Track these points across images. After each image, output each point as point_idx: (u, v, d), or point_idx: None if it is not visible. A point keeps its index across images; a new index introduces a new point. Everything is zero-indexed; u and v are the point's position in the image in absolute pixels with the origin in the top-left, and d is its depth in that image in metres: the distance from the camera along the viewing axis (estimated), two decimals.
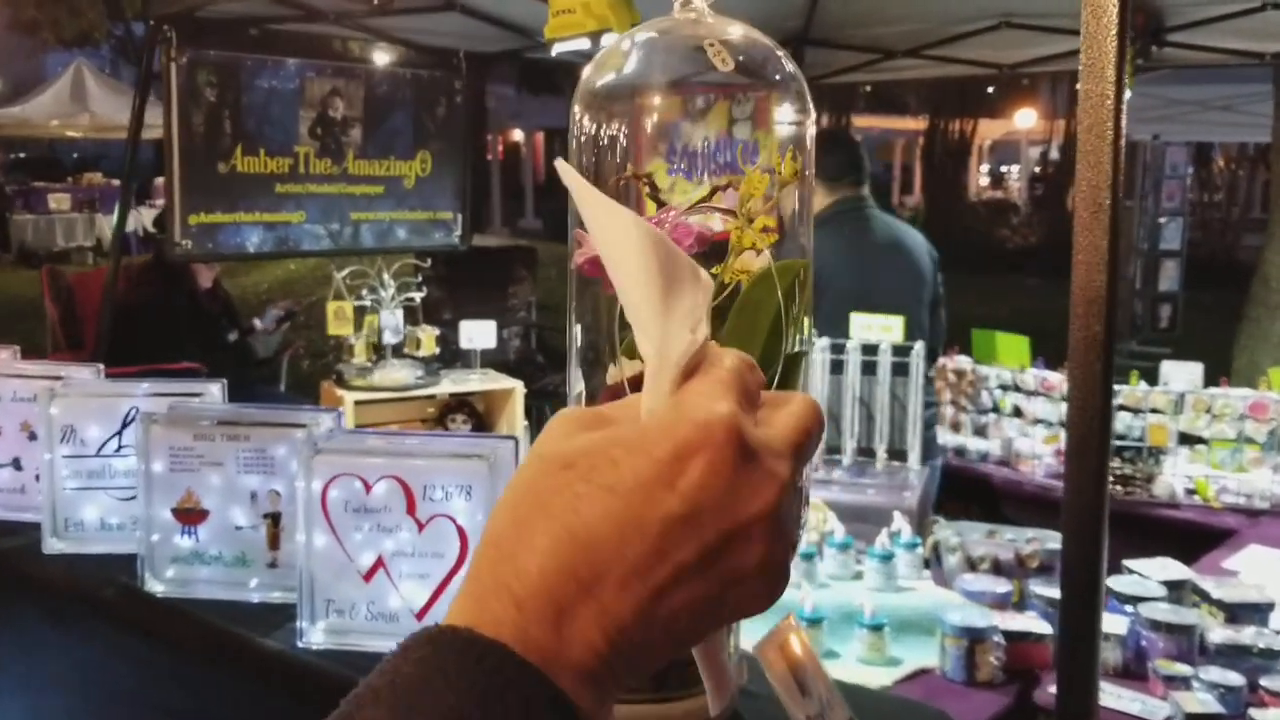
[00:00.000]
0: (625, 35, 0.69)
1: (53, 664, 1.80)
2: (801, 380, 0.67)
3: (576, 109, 0.69)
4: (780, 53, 0.68)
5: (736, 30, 0.68)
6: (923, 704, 2.03)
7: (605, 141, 0.68)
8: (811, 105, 0.68)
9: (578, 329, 0.71)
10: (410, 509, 1.45)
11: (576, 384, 0.70)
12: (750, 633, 1.30)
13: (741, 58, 0.67)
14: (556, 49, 3.23)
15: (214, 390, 1.88)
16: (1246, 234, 18.46)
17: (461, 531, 1.44)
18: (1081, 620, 1.38)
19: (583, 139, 0.70)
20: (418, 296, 4.62)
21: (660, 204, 0.67)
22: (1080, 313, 1.35)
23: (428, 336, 4.65)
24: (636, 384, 0.64)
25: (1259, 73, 6.72)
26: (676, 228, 0.64)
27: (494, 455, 1.44)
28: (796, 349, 0.66)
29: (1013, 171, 28.70)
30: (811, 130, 0.68)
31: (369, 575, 1.47)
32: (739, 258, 0.66)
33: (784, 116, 0.68)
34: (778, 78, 0.68)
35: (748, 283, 0.66)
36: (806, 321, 0.68)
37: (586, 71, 0.69)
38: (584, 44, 3.04)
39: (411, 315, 4.66)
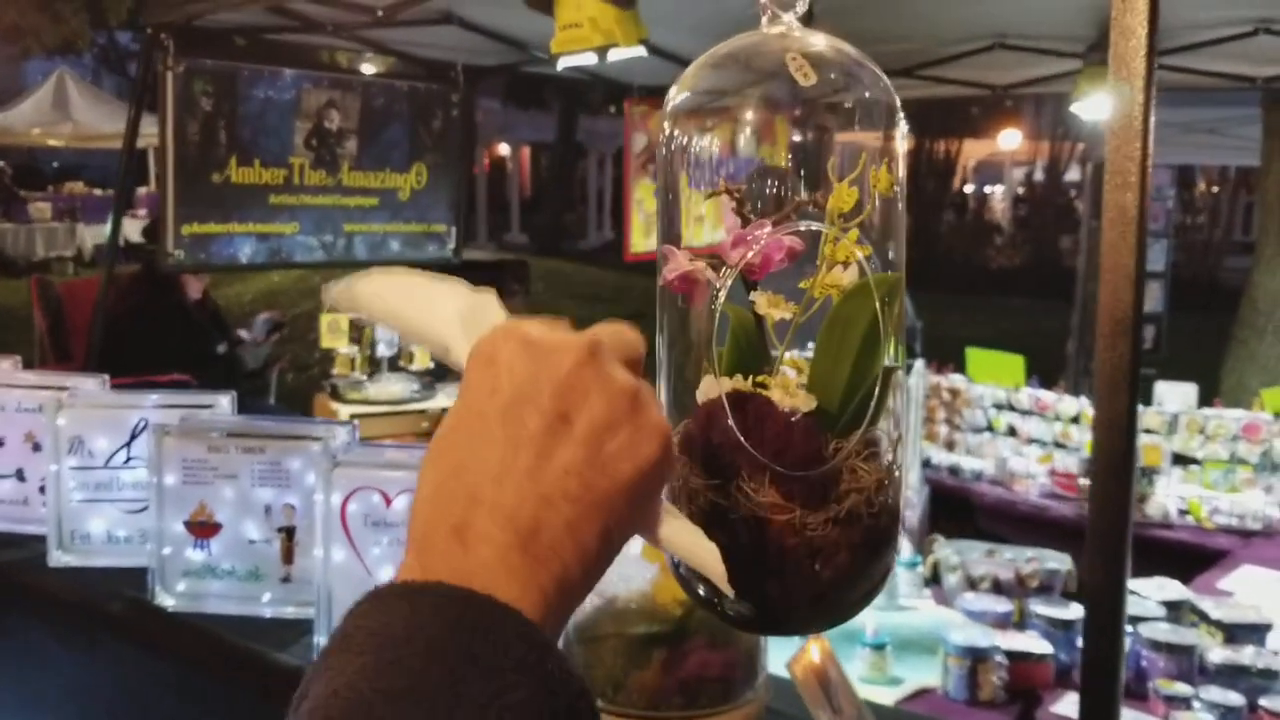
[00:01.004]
0: (710, 51, 0.69)
1: (58, 679, 1.77)
2: (894, 398, 0.67)
3: (666, 124, 0.69)
4: (869, 64, 0.68)
5: (821, 42, 0.68)
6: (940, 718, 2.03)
7: (693, 157, 0.69)
8: (903, 118, 0.69)
9: (659, 340, 0.71)
10: None
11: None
12: (781, 651, 1.29)
13: (834, 74, 0.67)
14: (563, 63, 3.23)
15: (223, 402, 1.86)
16: (1228, 256, 18.63)
17: None
18: (1104, 637, 1.38)
19: (665, 153, 0.71)
20: None
21: (746, 219, 0.67)
22: (1107, 332, 1.35)
23: (422, 349, 4.62)
24: (733, 399, 0.64)
25: (1246, 96, 6.76)
26: (770, 243, 0.64)
27: None
28: (890, 364, 0.66)
29: (996, 192, 28.85)
30: (903, 142, 0.69)
31: None
32: (829, 272, 0.66)
33: (874, 128, 0.68)
34: (866, 91, 0.68)
35: (838, 298, 0.66)
36: (894, 341, 0.67)
37: (673, 89, 0.70)
38: (591, 59, 3.05)
39: None
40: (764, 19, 0.69)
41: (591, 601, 1.16)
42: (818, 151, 0.67)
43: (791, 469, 0.63)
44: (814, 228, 0.64)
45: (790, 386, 0.65)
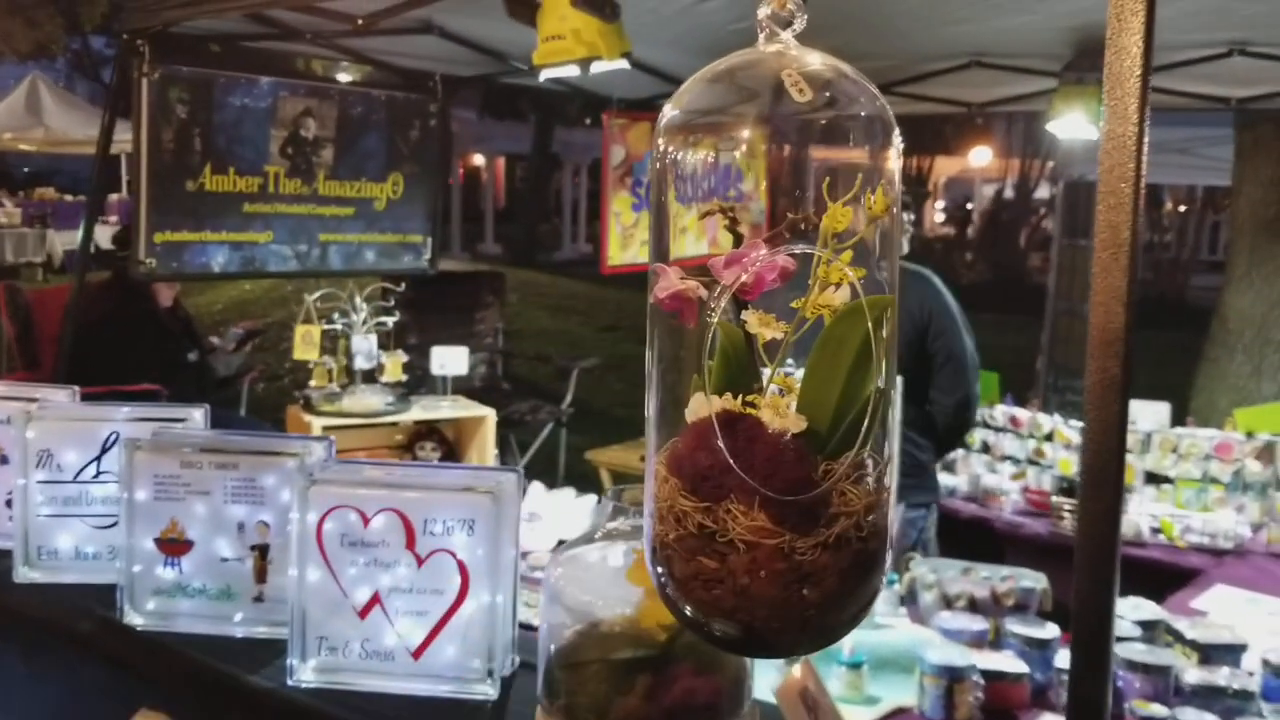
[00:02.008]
0: (708, 68, 0.68)
1: (23, 698, 1.73)
2: (883, 416, 0.66)
3: (660, 140, 0.68)
4: (866, 83, 0.67)
5: (817, 61, 0.67)
6: None
7: (686, 173, 0.67)
8: (899, 138, 0.67)
9: (653, 356, 0.69)
10: (410, 543, 1.40)
11: (651, 428, 0.68)
12: (766, 677, 1.27)
13: (828, 94, 0.66)
14: (545, 74, 3.22)
15: (196, 416, 1.83)
16: (1195, 275, 18.83)
17: (463, 567, 1.39)
18: (1092, 659, 1.36)
19: (657, 168, 0.69)
20: (390, 321, 4.57)
21: (738, 237, 0.66)
22: (1097, 354, 1.33)
23: (394, 362, 4.59)
24: (724, 420, 0.62)
25: (1216, 117, 6.83)
26: (763, 264, 0.63)
27: (498, 488, 1.40)
28: (881, 385, 0.65)
29: (966, 208, 29.06)
30: (898, 163, 0.67)
31: (364, 611, 1.42)
32: (821, 293, 0.65)
33: (869, 149, 0.67)
34: (863, 111, 0.67)
35: (831, 318, 0.65)
36: (885, 361, 0.66)
37: (668, 105, 0.68)
38: (573, 71, 3.04)
39: (384, 340, 4.61)
40: (761, 37, 0.68)
41: (574, 626, 1.14)
42: (812, 171, 0.66)
43: (782, 493, 0.62)
44: (807, 250, 0.63)
45: (781, 407, 0.64)
